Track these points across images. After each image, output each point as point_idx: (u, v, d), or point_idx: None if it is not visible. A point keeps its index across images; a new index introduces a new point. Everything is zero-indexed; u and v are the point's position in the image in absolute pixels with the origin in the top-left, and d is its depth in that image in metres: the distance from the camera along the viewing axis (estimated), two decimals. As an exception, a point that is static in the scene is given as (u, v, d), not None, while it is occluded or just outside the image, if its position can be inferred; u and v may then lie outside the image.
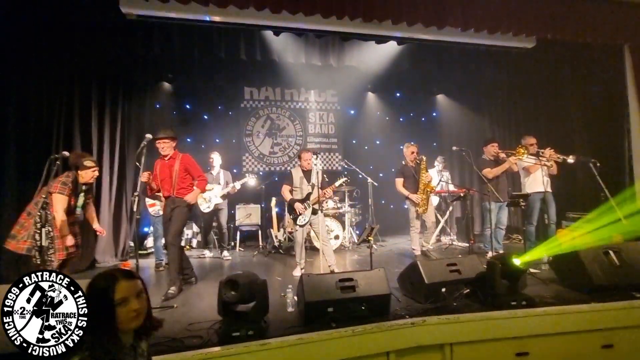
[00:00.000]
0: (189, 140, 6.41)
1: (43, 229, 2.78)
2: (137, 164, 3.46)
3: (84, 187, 3.18)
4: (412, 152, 4.60)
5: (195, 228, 6.05)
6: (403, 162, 4.75)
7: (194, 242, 6.03)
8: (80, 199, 3.17)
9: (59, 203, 2.96)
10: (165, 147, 3.48)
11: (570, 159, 4.30)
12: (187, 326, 2.47)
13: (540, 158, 4.27)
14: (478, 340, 2.54)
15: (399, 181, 4.64)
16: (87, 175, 3.12)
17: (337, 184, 4.11)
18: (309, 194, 3.96)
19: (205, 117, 6.62)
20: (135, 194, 3.07)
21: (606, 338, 2.67)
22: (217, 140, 6.55)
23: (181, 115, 6.45)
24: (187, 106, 6.53)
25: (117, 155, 5.14)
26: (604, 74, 5.46)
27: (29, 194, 3.16)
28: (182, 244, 5.89)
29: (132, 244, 5.17)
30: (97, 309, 1.21)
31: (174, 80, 6.21)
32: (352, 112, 7.44)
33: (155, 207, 4.56)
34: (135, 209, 3.05)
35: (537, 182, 4.29)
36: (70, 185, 3.01)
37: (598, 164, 4.20)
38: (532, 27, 4.40)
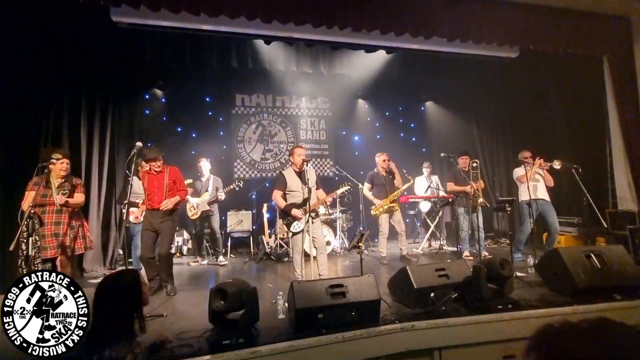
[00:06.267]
0: (179, 147, 6.39)
1: (30, 239, 2.75)
2: (127, 171, 3.47)
3: (57, 182, 3.26)
4: (384, 160, 4.94)
5: (185, 235, 6.01)
6: (375, 170, 5.04)
7: (185, 250, 5.99)
8: (55, 195, 3.22)
9: (26, 199, 3.09)
10: (160, 165, 3.68)
11: (557, 165, 4.50)
12: (177, 335, 2.45)
13: (528, 168, 4.46)
14: (466, 344, 2.58)
15: (367, 186, 5.02)
16: (56, 168, 3.25)
17: (339, 192, 3.95)
18: (305, 200, 3.65)
19: (196, 123, 6.61)
20: (125, 202, 3.06)
21: (589, 340, 2.75)
22: (208, 147, 6.53)
23: (172, 121, 6.43)
24: (178, 113, 6.51)
25: (107, 162, 5.09)
26: (585, 84, 5.66)
27: (15, 201, 3.13)
28: (173, 251, 5.88)
29: (121, 252, 5.10)
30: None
31: (164, 86, 6.20)
32: (343, 118, 7.52)
33: (133, 215, 4.48)
34: (125, 217, 3.04)
35: (526, 191, 4.43)
36: (41, 184, 3.14)
37: (580, 170, 4.36)
38: (515, 37, 4.55)
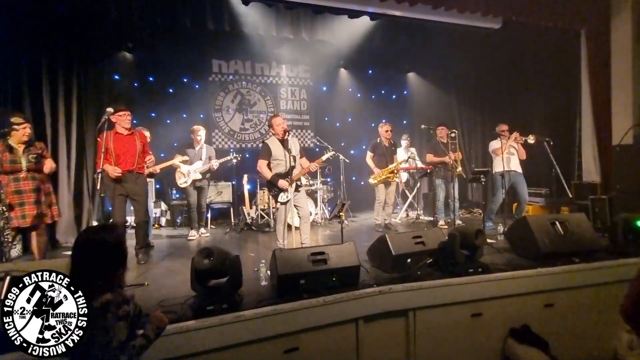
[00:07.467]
0: (153, 114, 6.08)
1: (-4, 209, 2.61)
2: (98, 139, 3.30)
3: (21, 148, 3.09)
4: (387, 131, 4.99)
5: (163, 206, 5.89)
6: (378, 140, 5.09)
7: (163, 221, 5.89)
8: (23, 161, 3.06)
9: None
10: (130, 120, 3.52)
11: (531, 140, 4.67)
12: (160, 302, 2.47)
13: (504, 141, 4.59)
14: (438, 305, 2.76)
15: (369, 155, 5.08)
16: (19, 134, 3.06)
17: (324, 157, 3.90)
18: (291, 168, 3.60)
19: (171, 90, 6.28)
20: (99, 170, 2.93)
21: (548, 298, 3.01)
22: (185, 115, 6.27)
23: (143, 87, 6.06)
24: (150, 78, 6.15)
25: (75, 129, 4.80)
26: (562, 61, 5.78)
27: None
28: (151, 222, 5.76)
29: (96, 223, 4.96)
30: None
31: (134, 49, 5.78)
32: (325, 88, 7.38)
33: None
34: (99, 187, 2.92)
35: (500, 163, 4.61)
36: (3, 150, 2.98)
37: (552, 143, 4.54)
38: (499, 8, 4.52)
